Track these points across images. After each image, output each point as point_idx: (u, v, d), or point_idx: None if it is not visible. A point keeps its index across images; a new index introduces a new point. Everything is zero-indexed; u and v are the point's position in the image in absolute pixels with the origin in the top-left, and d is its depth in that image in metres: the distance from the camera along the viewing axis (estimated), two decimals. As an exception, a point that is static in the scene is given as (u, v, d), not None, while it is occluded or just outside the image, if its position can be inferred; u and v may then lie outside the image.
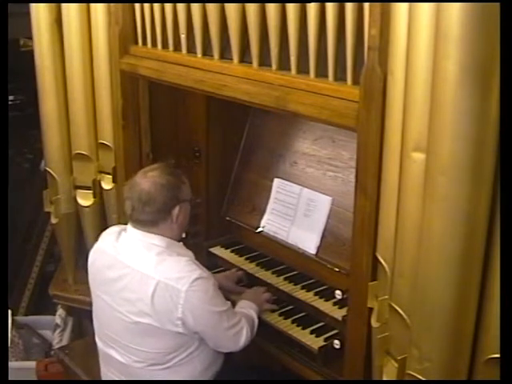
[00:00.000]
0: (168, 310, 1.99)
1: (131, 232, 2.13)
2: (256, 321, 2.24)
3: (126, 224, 2.19)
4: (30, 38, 2.91)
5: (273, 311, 2.41)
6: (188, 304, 1.98)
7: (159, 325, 2.02)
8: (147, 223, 2.08)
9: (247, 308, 2.27)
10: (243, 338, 2.13)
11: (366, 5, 1.75)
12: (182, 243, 2.19)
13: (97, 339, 2.26)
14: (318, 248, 2.49)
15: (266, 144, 2.76)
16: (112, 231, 2.23)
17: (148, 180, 2.07)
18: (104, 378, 2.28)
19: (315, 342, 2.25)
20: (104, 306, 2.15)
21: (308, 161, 2.59)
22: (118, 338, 2.12)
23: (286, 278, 2.56)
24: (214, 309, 2.04)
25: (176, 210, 2.09)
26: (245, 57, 2.18)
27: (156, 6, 2.42)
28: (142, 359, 2.10)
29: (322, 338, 2.27)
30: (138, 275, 2.03)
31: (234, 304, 2.28)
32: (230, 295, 2.42)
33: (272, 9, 1.98)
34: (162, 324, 2.02)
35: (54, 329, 3.28)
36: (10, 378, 2.44)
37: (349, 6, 1.79)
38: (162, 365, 2.09)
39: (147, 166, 2.23)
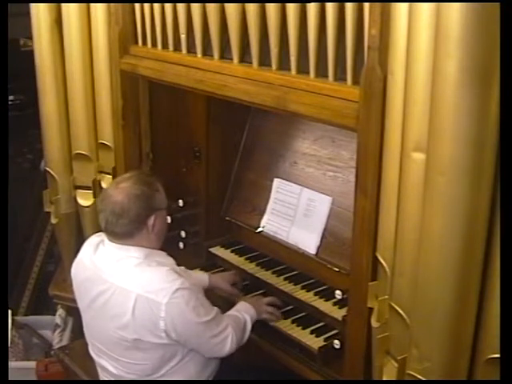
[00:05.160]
0: (150, 322, 1.96)
1: (108, 246, 2.09)
2: (248, 326, 2.21)
3: None
4: (30, 38, 2.91)
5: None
6: (169, 316, 1.95)
7: (143, 338, 1.99)
8: (123, 235, 2.04)
9: (242, 311, 2.24)
10: (228, 346, 2.10)
11: (366, 5, 1.75)
12: (162, 252, 2.14)
13: (90, 350, 2.24)
14: (318, 248, 2.49)
15: (266, 144, 2.76)
16: (91, 242, 2.18)
17: (120, 191, 2.02)
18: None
19: (315, 342, 2.25)
20: (90, 319, 2.15)
21: (308, 161, 2.59)
22: (107, 350, 2.11)
23: (286, 278, 2.56)
24: (197, 319, 2.00)
25: (151, 220, 2.05)
26: (245, 57, 2.18)
27: (156, 6, 2.42)
28: (133, 371, 2.08)
29: (322, 338, 2.27)
30: (118, 290, 2.00)
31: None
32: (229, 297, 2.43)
33: (272, 9, 1.98)
34: (145, 337, 1.99)
35: (54, 329, 3.28)
36: (10, 378, 2.44)
37: (349, 6, 1.79)
38: (155, 375, 2.08)
39: (120, 176, 2.17)
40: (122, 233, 2.04)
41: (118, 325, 2.01)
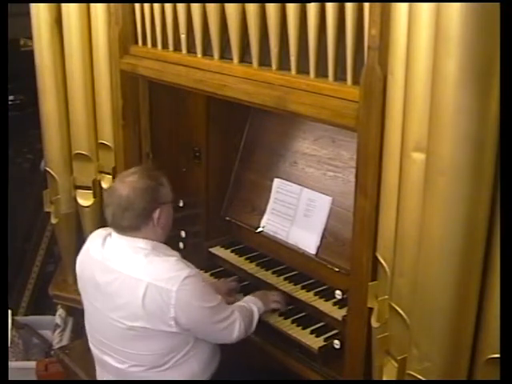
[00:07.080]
0: (160, 311, 1.99)
1: (115, 238, 2.12)
2: (256, 315, 2.24)
3: None
4: (30, 38, 2.91)
5: (274, 311, 2.40)
6: (179, 303, 1.99)
7: (152, 327, 2.01)
8: (129, 228, 2.08)
9: (248, 302, 2.28)
10: (236, 331, 2.14)
11: (366, 5, 1.75)
12: (166, 245, 2.17)
13: (90, 345, 2.25)
14: (318, 248, 2.49)
15: (266, 144, 2.76)
16: (98, 235, 2.21)
17: (126, 185, 2.07)
18: (100, 378, 2.28)
19: (315, 342, 2.25)
20: (96, 312, 2.15)
21: (308, 161, 2.59)
22: (112, 344, 2.12)
23: (286, 278, 2.56)
24: (205, 305, 2.05)
25: (156, 213, 2.09)
26: (245, 57, 2.18)
27: (156, 6, 2.42)
28: (138, 363, 2.09)
29: (322, 338, 2.27)
30: (128, 279, 2.03)
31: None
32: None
33: (272, 9, 1.98)
34: (155, 326, 2.01)
35: (54, 329, 3.28)
36: (10, 378, 2.44)
37: (349, 6, 1.79)
38: (159, 367, 2.09)
39: (125, 171, 2.21)
40: (129, 226, 2.08)
41: (126, 314, 2.03)
